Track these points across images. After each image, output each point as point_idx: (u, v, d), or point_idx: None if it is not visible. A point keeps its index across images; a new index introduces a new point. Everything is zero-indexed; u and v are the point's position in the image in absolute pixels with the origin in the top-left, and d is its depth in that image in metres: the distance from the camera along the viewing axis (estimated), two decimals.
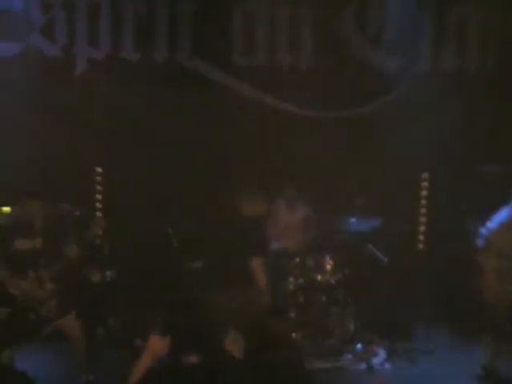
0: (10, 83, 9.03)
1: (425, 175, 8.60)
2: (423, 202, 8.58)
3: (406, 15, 9.17)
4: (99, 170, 8.54)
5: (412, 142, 9.08)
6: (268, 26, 9.31)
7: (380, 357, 8.01)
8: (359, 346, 8.15)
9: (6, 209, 7.43)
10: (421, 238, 8.75)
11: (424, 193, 8.58)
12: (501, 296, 7.19)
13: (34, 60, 9.16)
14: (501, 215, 7.33)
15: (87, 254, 7.76)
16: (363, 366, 7.83)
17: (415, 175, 8.71)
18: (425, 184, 8.59)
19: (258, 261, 7.02)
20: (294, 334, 8.04)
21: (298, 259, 8.41)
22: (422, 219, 8.62)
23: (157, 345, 6.20)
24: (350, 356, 7.98)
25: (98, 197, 8.55)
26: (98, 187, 8.53)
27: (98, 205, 8.55)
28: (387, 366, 7.87)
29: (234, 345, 6.06)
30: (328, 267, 8.38)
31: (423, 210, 8.63)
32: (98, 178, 8.54)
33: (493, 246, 7.21)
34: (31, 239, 6.87)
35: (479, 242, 7.33)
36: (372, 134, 9.35)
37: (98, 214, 8.52)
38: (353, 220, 8.53)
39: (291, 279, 8.37)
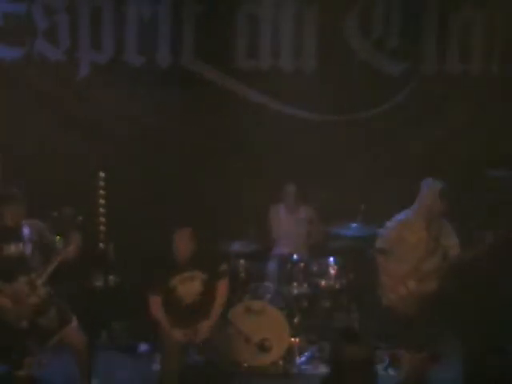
0: (13, 87, 9.05)
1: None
2: None
3: (411, 18, 9.15)
4: (102, 174, 8.50)
5: (416, 146, 9.11)
6: (272, 29, 9.30)
7: (384, 362, 7.98)
8: None
9: None
10: None
11: None
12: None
13: (37, 64, 9.16)
14: (399, 216, 7.47)
15: (90, 258, 7.79)
16: None
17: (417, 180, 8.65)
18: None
19: None
20: None
21: (302, 264, 8.40)
22: None
23: None
24: None
25: (102, 201, 8.51)
26: (102, 192, 8.50)
27: (102, 209, 8.51)
28: (391, 371, 7.85)
29: None
30: (332, 272, 8.38)
31: None
32: (102, 183, 8.51)
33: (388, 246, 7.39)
34: (19, 244, 6.75)
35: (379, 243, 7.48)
36: (377, 137, 9.36)
37: (102, 218, 8.49)
38: (355, 225, 8.49)
39: (295, 284, 8.36)
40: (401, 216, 7.50)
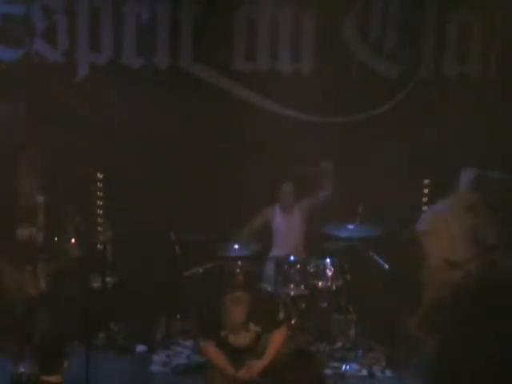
0: (12, 87, 9.06)
1: (426, 181, 8.56)
2: (423, 208, 8.54)
3: (408, 20, 9.17)
4: (100, 175, 8.51)
5: (414, 148, 9.11)
6: (270, 31, 9.30)
7: (381, 364, 8.00)
8: (360, 352, 8.15)
9: None
10: None
11: (424, 199, 8.54)
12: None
13: (36, 65, 9.17)
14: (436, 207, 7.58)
15: (89, 258, 7.79)
16: (364, 372, 7.85)
17: (417, 181, 8.67)
18: (426, 190, 8.54)
19: None
20: None
21: (299, 266, 8.42)
22: None
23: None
24: (351, 362, 7.99)
25: (99, 202, 8.54)
26: (99, 193, 8.52)
27: (99, 210, 8.53)
28: (388, 373, 7.87)
29: None
30: (329, 274, 8.39)
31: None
32: (100, 184, 8.52)
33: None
34: (33, 228, 6.71)
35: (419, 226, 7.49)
36: (376, 139, 9.37)
37: (99, 219, 8.51)
38: (353, 226, 8.52)
39: (292, 286, 8.38)
40: (438, 207, 7.55)
